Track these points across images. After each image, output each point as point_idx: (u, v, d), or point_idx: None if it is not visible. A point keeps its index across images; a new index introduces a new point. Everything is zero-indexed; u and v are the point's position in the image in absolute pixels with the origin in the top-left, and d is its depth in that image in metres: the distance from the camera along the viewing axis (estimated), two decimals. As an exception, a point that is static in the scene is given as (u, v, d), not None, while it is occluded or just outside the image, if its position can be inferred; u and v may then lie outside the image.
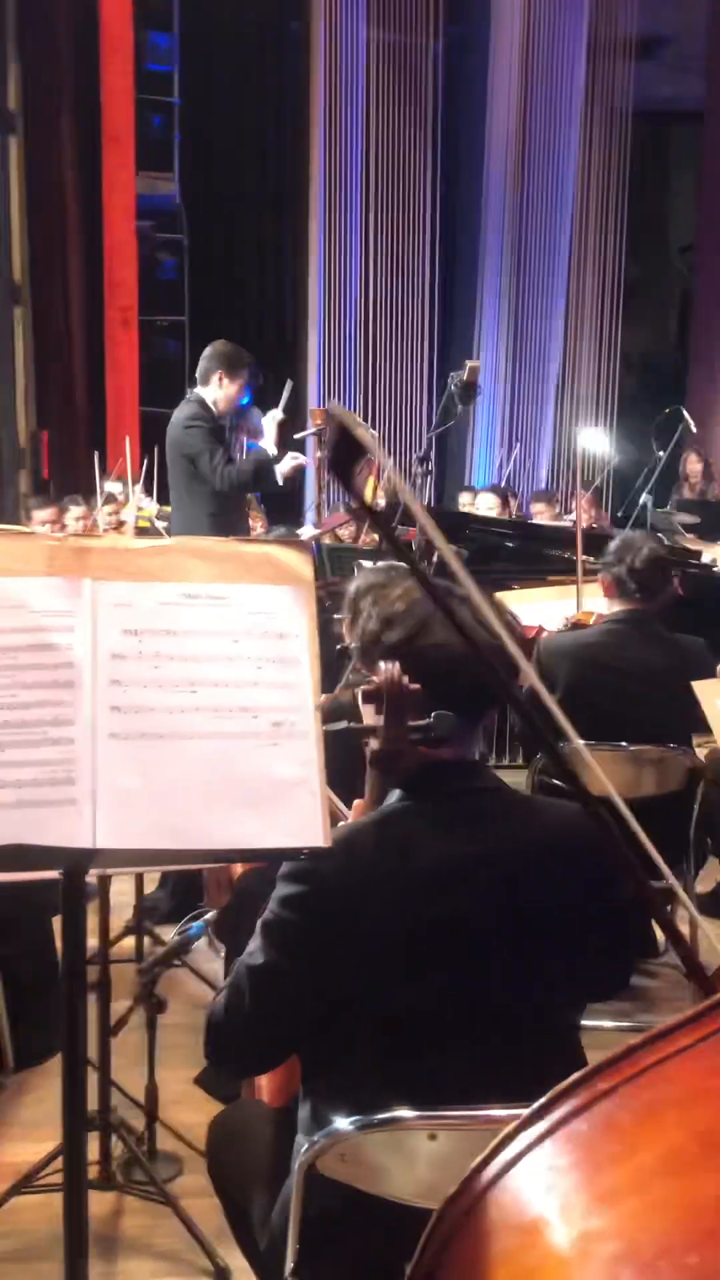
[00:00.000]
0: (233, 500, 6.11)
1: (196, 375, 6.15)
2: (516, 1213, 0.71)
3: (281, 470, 6.03)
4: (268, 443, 6.05)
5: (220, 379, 5.99)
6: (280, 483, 6.06)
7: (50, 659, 1.61)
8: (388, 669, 1.79)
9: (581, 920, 1.86)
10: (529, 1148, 0.73)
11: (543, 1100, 0.75)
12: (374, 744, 1.83)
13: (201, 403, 6.04)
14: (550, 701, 1.02)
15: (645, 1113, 0.73)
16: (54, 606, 1.63)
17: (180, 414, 6.07)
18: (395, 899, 1.78)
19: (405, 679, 1.78)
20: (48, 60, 10.76)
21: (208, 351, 6.13)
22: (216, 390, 6.01)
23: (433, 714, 1.79)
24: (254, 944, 1.81)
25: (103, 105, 10.50)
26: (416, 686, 1.79)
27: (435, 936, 1.78)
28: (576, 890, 1.85)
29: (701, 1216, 0.66)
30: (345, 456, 0.97)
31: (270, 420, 6.14)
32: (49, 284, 11.06)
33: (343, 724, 1.86)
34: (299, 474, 6.71)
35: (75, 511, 8.22)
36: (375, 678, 1.80)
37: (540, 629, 4.72)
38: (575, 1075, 0.75)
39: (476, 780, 1.90)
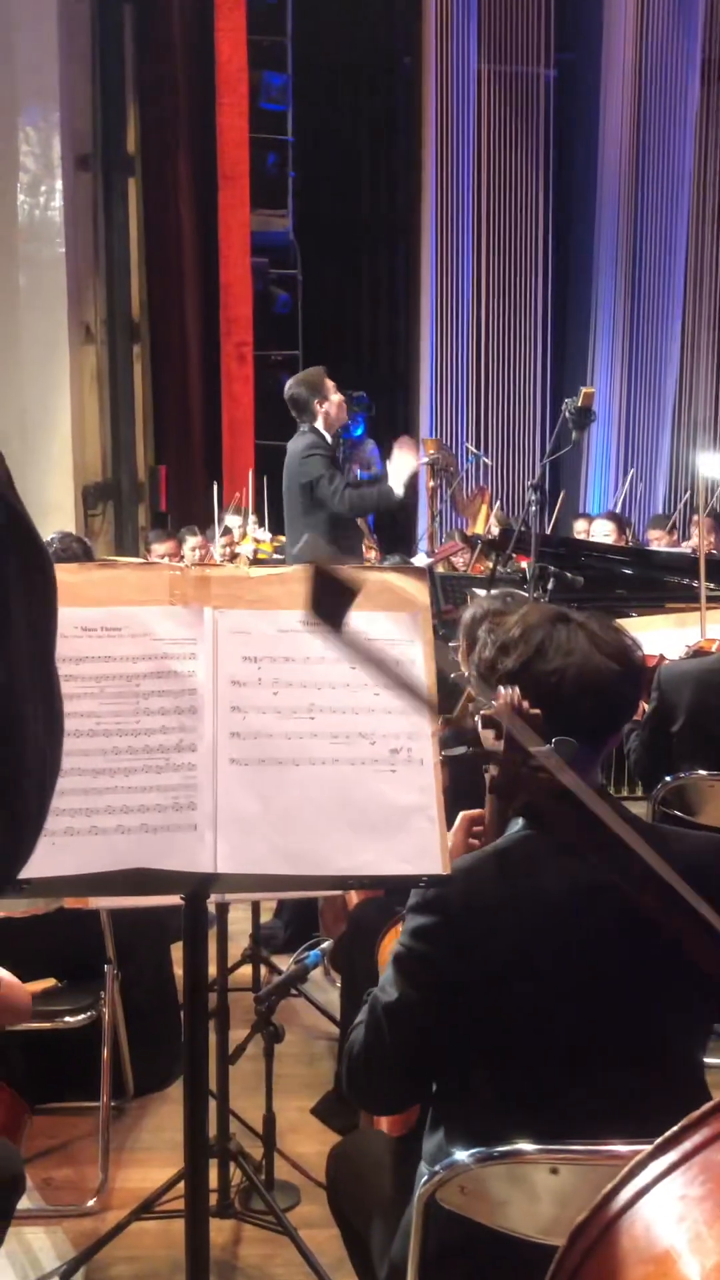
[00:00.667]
0: (347, 530, 6.19)
1: (295, 416, 6.26)
2: (648, 1243, 0.70)
3: (401, 480, 6.13)
4: (395, 482, 6.13)
5: (319, 405, 6.12)
6: (399, 497, 6.14)
7: (173, 686, 1.64)
8: (508, 694, 1.77)
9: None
10: (660, 1176, 0.72)
11: (675, 1129, 0.73)
12: (494, 770, 1.81)
13: (315, 432, 6.17)
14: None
15: (780, 1145, 0.71)
16: (176, 634, 1.66)
17: (297, 445, 6.21)
18: (521, 928, 1.76)
19: (526, 704, 1.77)
20: (165, 103, 11.02)
21: (291, 392, 6.27)
22: (322, 415, 6.13)
23: (553, 740, 1.78)
24: (385, 978, 1.80)
25: (218, 145, 10.72)
26: (537, 711, 1.78)
27: (561, 966, 1.76)
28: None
29: None
30: (332, 605, 0.95)
31: (405, 466, 6.22)
32: (167, 321, 11.28)
33: (463, 749, 1.85)
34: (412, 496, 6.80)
35: (192, 542, 8.35)
36: (495, 703, 1.79)
37: (661, 657, 4.65)
38: (708, 1105, 0.74)
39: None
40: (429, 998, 1.76)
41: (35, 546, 0.94)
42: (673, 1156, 0.72)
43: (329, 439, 6.21)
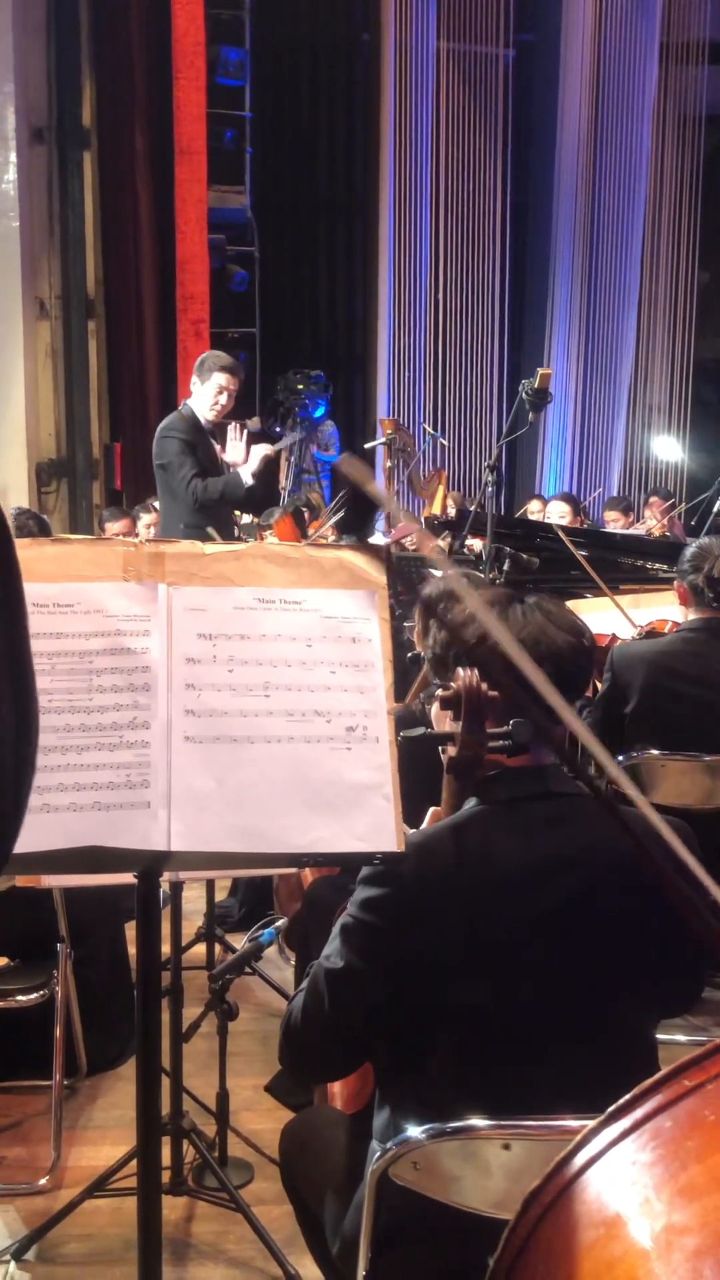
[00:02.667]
0: (213, 515, 6.07)
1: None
2: (599, 1207, 0.71)
3: (251, 469, 6.05)
4: (245, 471, 6.06)
5: (200, 384, 6.05)
6: (247, 488, 6.07)
7: (126, 663, 1.63)
8: (466, 675, 1.78)
9: (660, 929, 1.84)
10: (613, 1143, 0.73)
11: (626, 1098, 0.74)
12: (451, 750, 1.82)
13: (182, 413, 6.10)
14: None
15: (730, 1111, 0.72)
16: (130, 611, 1.65)
17: (161, 424, 6.15)
18: (474, 903, 1.76)
19: (484, 686, 1.77)
20: (121, 76, 10.91)
21: (199, 362, 6.19)
22: (196, 395, 6.07)
23: (511, 721, 1.78)
24: (331, 948, 1.80)
25: (175, 120, 10.61)
26: (495, 694, 1.78)
27: (513, 941, 1.77)
28: (654, 899, 1.83)
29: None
30: (359, 512, 0.95)
31: (257, 452, 6.14)
32: (122, 297, 11.19)
33: (420, 730, 1.85)
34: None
35: (146, 519, 8.31)
36: (454, 684, 1.79)
37: (614, 637, 4.67)
38: (659, 1074, 0.75)
39: (554, 784, 1.88)
40: (375, 969, 1.77)
41: (4, 533, 0.93)
42: (624, 1124, 0.73)
43: (200, 420, 6.05)
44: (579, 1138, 0.74)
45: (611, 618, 4.97)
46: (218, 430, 6.20)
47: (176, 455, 5.94)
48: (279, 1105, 3.47)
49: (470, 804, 1.86)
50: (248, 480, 6.03)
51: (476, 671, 1.80)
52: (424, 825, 2.00)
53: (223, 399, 6.01)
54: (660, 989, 1.92)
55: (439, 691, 1.84)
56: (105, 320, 11.18)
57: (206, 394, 6.02)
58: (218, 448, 6.24)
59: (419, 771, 2.02)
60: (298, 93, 13.44)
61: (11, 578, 0.91)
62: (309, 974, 1.85)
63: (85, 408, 10.75)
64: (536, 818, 1.83)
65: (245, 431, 6.31)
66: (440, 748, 1.86)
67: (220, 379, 6.00)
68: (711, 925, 0.88)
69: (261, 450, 6.15)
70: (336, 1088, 2.16)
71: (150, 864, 1.62)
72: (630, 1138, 0.73)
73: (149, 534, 8.03)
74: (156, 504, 7.25)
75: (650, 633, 4.55)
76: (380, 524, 9.70)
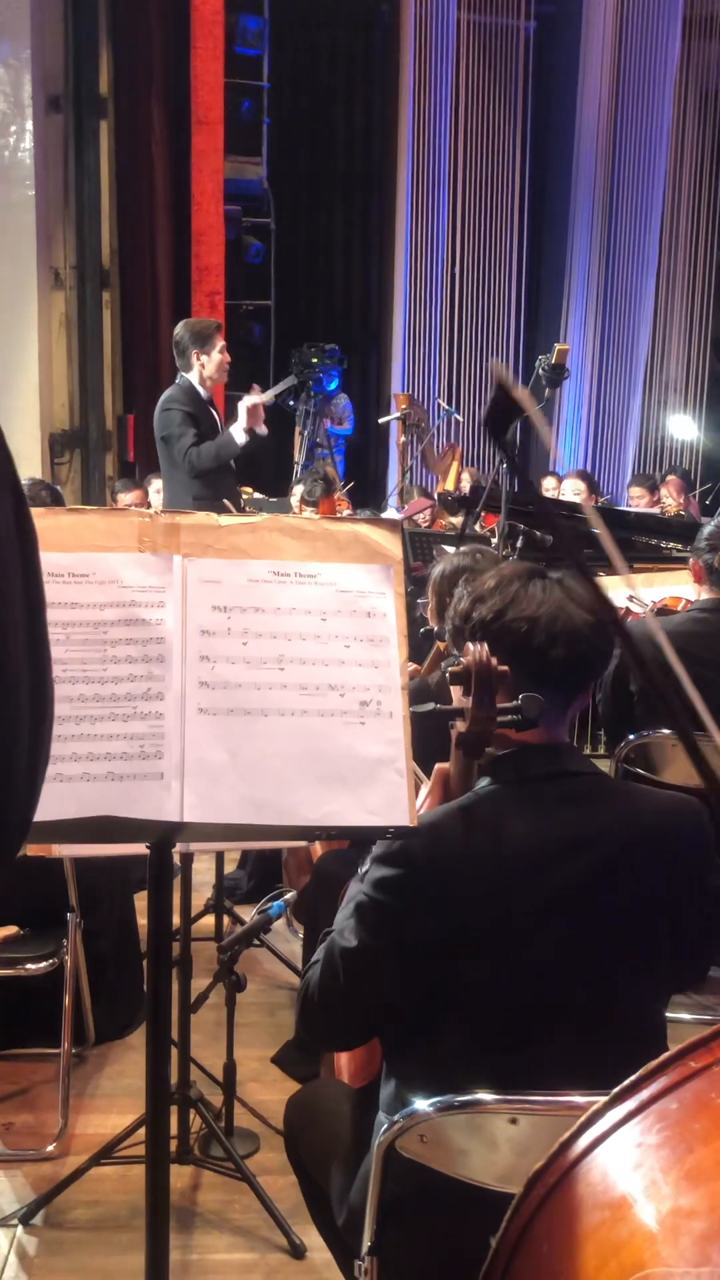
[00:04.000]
0: (216, 484, 6.09)
1: (177, 362, 6.18)
2: (605, 1189, 0.71)
3: (241, 426, 6.04)
4: (237, 429, 6.05)
5: (197, 356, 6.04)
6: (241, 444, 6.05)
7: (141, 634, 1.63)
8: (476, 650, 1.77)
9: (672, 908, 1.84)
10: (618, 1124, 0.73)
11: (632, 1079, 0.74)
12: (460, 726, 1.81)
13: (181, 386, 6.09)
14: (688, 684, 1.00)
15: (738, 1094, 0.72)
16: (145, 582, 1.65)
17: (164, 394, 6.15)
18: (487, 882, 1.76)
19: (494, 660, 1.77)
20: (138, 45, 10.83)
21: (176, 335, 6.18)
22: (198, 368, 6.05)
23: (520, 696, 1.77)
24: (346, 924, 1.81)
25: (192, 89, 10.54)
26: (505, 668, 1.78)
27: (524, 921, 1.77)
28: (669, 879, 1.83)
29: None
30: (503, 416, 0.96)
31: (243, 405, 6.11)
32: (137, 268, 11.14)
33: (430, 706, 1.85)
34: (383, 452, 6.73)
35: (157, 484, 8.30)
36: (464, 659, 1.78)
37: (627, 611, 4.66)
38: (665, 1055, 0.75)
39: (567, 762, 1.88)
40: (389, 948, 1.77)
41: (24, 511, 0.92)
42: (630, 1105, 0.73)
43: (201, 393, 6.09)
44: (583, 1119, 0.74)
45: (622, 597, 4.95)
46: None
47: (179, 426, 5.95)
48: (285, 1077, 3.50)
49: (483, 783, 1.86)
50: (240, 438, 6.02)
51: (486, 646, 1.79)
52: (430, 782, 1.98)
53: (225, 358, 6.10)
54: (669, 968, 1.92)
55: (449, 667, 1.83)
56: (120, 291, 11.13)
57: (212, 368, 6.03)
58: (218, 417, 6.25)
59: (435, 746, 2.02)
60: (316, 63, 13.33)
61: (32, 559, 0.91)
62: (323, 945, 1.85)
63: (99, 379, 10.73)
64: (549, 797, 1.83)
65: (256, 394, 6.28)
66: (450, 723, 1.85)
67: (220, 342, 6.04)
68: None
69: (247, 403, 6.11)
70: (344, 1061, 2.17)
71: (163, 835, 1.62)
72: (636, 1119, 0.73)
73: (159, 499, 8.02)
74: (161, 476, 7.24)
75: (662, 610, 4.53)
76: (393, 501, 9.68)
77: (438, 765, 1.98)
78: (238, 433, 6.01)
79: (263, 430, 6.09)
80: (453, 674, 1.79)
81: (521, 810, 1.80)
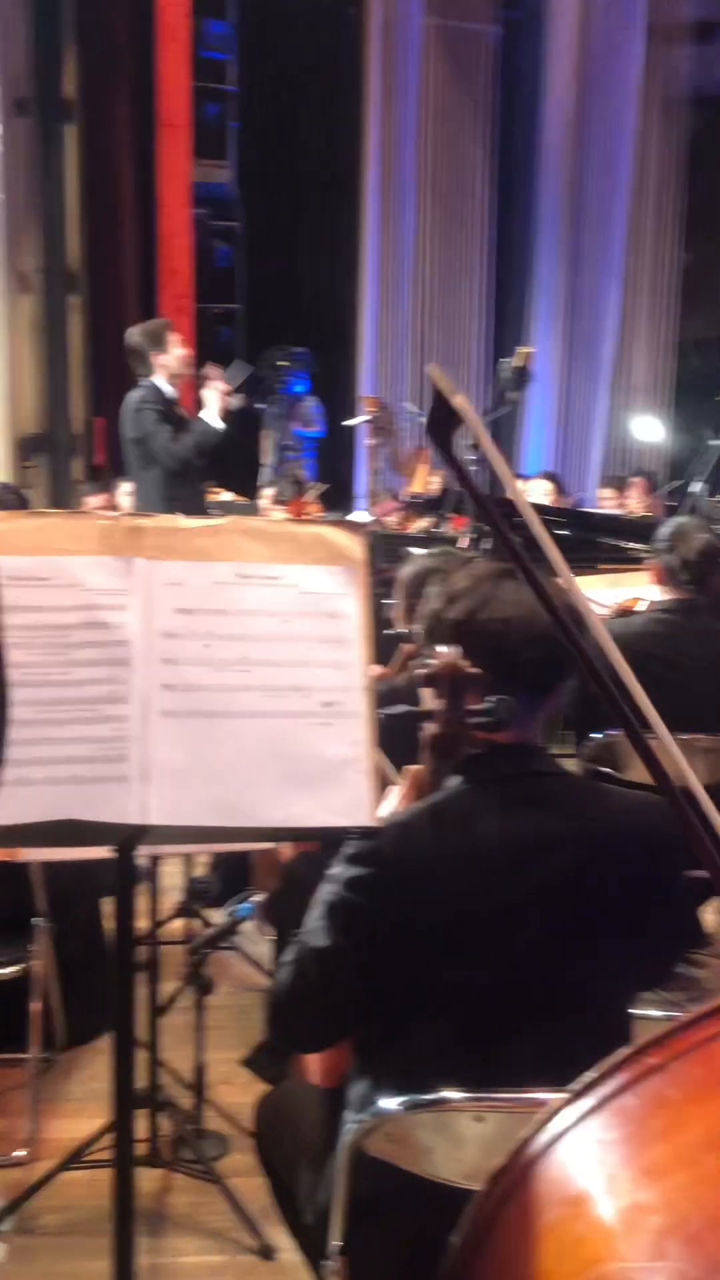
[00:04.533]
0: (187, 483, 6.16)
1: (136, 370, 6.21)
2: (563, 1185, 0.71)
3: (214, 411, 6.12)
4: (210, 415, 6.10)
5: (156, 357, 6.09)
6: (219, 430, 6.12)
7: (103, 637, 1.63)
8: (448, 652, 1.77)
9: (640, 908, 1.85)
10: (577, 1122, 0.73)
11: (591, 1074, 0.75)
12: (431, 728, 1.81)
13: (152, 387, 6.12)
14: (634, 684, 0.99)
15: (695, 1089, 0.72)
16: (107, 585, 1.65)
17: (132, 397, 6.19)
18: (457, 881, 1.76)
19: (465, 663, 1.77)
20: (104, 48, 10.80)
21: (130, 342, 6.22)
22: (160, 368, 6.09)
23: (493, 698, 1.77)
24: (316, 925, 1.81)
25: (159, 93, 10.52)
26: (476, 670, 1.78)
27: (495, 919, 1.77)
28: (637, 878, 1.83)
29: (750, 1191, 0.66)
30: (442, 422, 0.94)
31: (212, 393, 6.18)
32: (104, 272, 11.11)
33: (402, 708, 1.85)
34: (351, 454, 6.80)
35: (126, 487, 8.28)
36: (435, 661, 1.79)
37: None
38: (625, 1050, 0.75)
39: (537, 763, 1.88)
40: (360, 947, 1.77)
41: None
42: (589, 1102, 0.74)
43: (167, 391, 6.14)
44: (542, 1116, 0.74)
45: (591, 596, 4.96)
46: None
47: (154, 424, 5.98)
48: (255, 1079, 3.49)
49: (453, 782, 1.86)
50: (217, 424, 6.07)
51: (458, 648, 1.79)
52: (400, 784, 1.98)
53: (186, 352, 6.16)
54: (637, 967, 1.93)
55: (419, 670, 1.83)
56: (87, 295, 11.10)
57: (174, 363, 6.07)
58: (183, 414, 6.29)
59: (401, 746, 2.01)
60: (282, 67, 13.33)
61: None
62: (293, 946, 1.85)
63: (66, 383, 10.69)
64: (519, 797, 1.83)
65: (208, 380, 6.33)
66: (419, 725, 1.85)
67: (174, 338, 6.10)
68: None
69: (214, 390, 6.18)
70: (313, 1062, 2.17)
71: (127, 837, 1.62)
72: (594, 1116, 0.74)
73: (128, 501, 8.02)
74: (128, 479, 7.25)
75: (622, 611, 4.54)
76: (362, 503, 9.68)
77: (409, 768, 1.98)
78: (212, 418, 6.05)
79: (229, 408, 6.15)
80: (424, 676, 1.80)
81: (491, 810, 1.81)
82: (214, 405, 6.11)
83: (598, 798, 1.93)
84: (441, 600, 1.88)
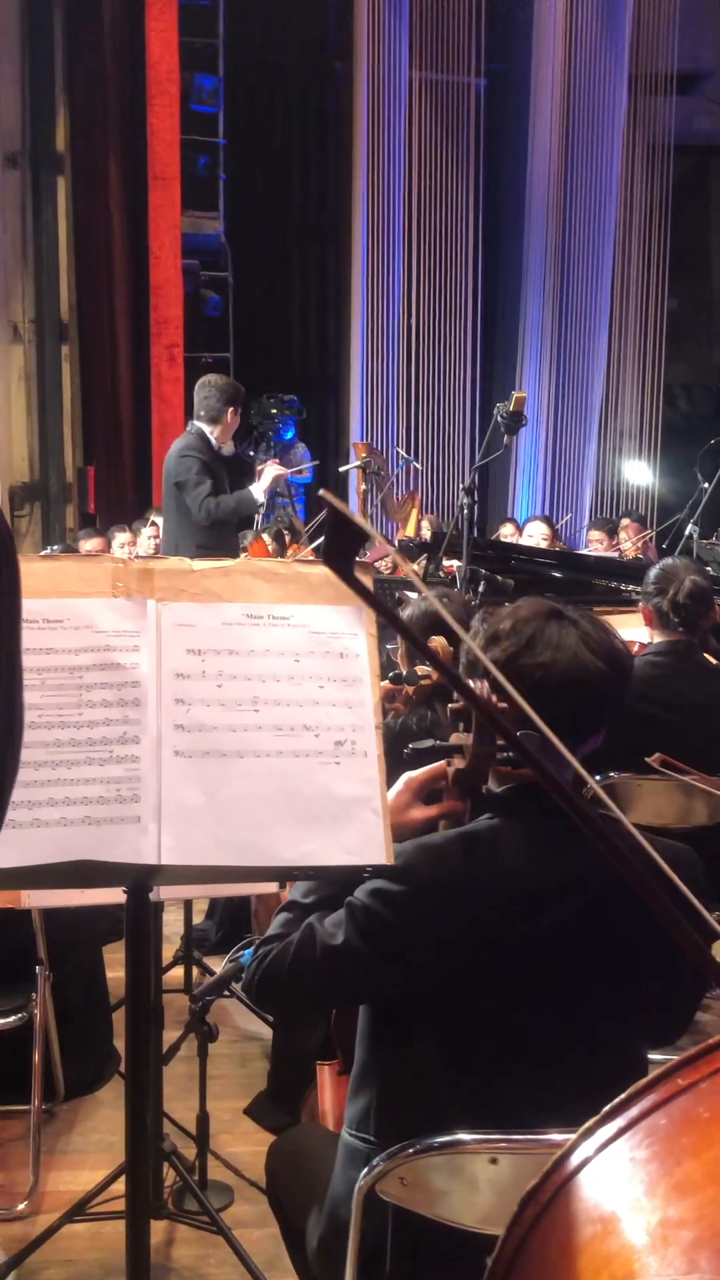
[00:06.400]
0: (221, 534, 6.28)
1: (199, 409, 6.30)
2: (595, 1204, 0.72)
3: (262, 486, 6.30)
4: (258, 489, 6.27)
5: (230, 414, 6.27)
6: (261, 504, 6.38)
7: (115, 678, 1.64)
8: (477, 686, 1.78)
9: (661, 953, 1.84)
10: (608, 1142, 0.74)
11: (623, 1096, 0.76)
12: (459, 762, 1.82)
13: (200, 435, 6.24)
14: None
15: (724, 1108, 0.73)
16: (119, 627, 1.66)
17: (178, 443, 6.31)
18: (479, 910, 1.76)
19: (494, 698, 1.77)
20: (95, 102, 10.96)
21: (212, 385, 6.31)
22: (221, 424, 6.23)
23: (519, 733, 1.78)
24: (334, 919, 1.79)
25: (149, 146, 10.67)
26: (505, 705, 1.78)
27: (513, 953, 1.77)
28: (658, 925, 1.82)
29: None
30: (344, 545, 0.91)
31: (270, 471, 6.38)
32: (96, 322, 11.21)
33: (430, 743, 1.85)
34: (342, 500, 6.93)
35: (121, 539, 8.34)
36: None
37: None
38: (655, 1073, 0.76)
39: None
40: (372, 955, 1.77)
41: (8, 547, 0.94)
42: (619, 1122, 0.75)
43: (215, 446, 6.26)
44: (575, 1136, 0.75)
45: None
46: (242, 464, 6.51)
47: (196, 474, 6.07)
48: (258, 1128, 3.46)
49: (484, 817, 1.86)
50: (260, 498, 6.26)
51: (487, 683, 1.80)
52: (397, 788, 1.96)
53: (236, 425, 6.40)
54: (651, 1016, 1.91)
55: (450, 705, 1.84)
56: (79, 344, 11.19)
57: (234, 424, 6.33)
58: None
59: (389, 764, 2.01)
60: (271, 120, 13.52)
61: (14, 588, 0.93)
62: (302, 926, 1.83)
63: (59, 432, 10.76)
64: (546, 836, 1.83)
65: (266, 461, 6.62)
66: (446, 760, 1.85)
67: (238, 419, 6.38)
68: (701, 949, 0.89)
69: (273, 470, 6.39)
70: (327, 1107, 2.16)
71: (140, 878, 1.62)
72: (625, 1136, 0.74)
73: (151, 545, 8.13)
74: (156, 519, 7.32)
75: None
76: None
77: (406, 775, 1.96)
78: (258, 492, 6.24)
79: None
80: (453, 711, 1.80)
81: (518, 846, 1.81)
82: (266, 481, 6.30)
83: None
84: (484, 638, 1.88)
